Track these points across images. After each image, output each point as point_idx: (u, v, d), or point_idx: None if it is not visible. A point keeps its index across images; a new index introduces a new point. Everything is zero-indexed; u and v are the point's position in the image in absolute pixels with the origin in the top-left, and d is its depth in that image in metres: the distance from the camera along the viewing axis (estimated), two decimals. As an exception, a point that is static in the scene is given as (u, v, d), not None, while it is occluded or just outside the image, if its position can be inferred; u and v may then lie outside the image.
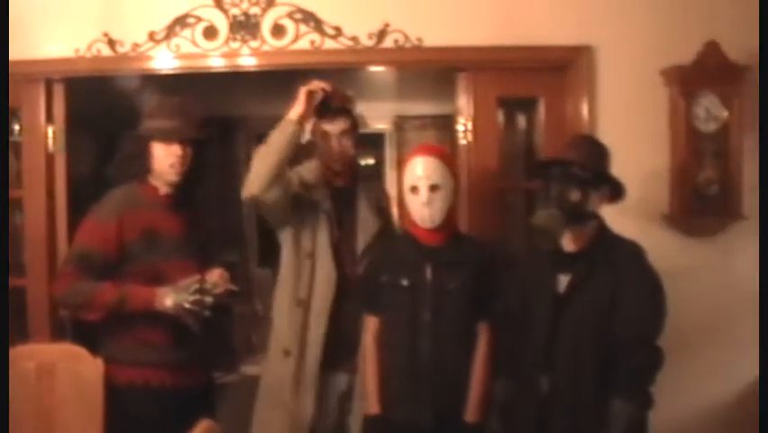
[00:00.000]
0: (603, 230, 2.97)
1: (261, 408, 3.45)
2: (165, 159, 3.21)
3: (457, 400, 3.10)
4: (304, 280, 3.36)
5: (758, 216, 3.52)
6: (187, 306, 3.06)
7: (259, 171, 3.22)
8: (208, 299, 3.10)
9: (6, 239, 3.37)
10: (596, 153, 2.95)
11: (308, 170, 3.46)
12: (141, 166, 3.24)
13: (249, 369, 6.51)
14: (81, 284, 3.10)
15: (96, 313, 3.11)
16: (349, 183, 3.47)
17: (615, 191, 2.97)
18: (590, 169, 2.89)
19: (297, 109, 3.23)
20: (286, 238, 3.44)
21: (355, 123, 3.37)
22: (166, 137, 3.19)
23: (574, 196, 2.89)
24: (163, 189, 3.26)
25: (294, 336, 3.35)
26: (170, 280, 3.13)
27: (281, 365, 3.37)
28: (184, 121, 3.23)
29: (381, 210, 3.51)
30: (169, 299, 3.06)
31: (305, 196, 3.38)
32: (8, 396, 2.96)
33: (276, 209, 3.34)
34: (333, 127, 3.32)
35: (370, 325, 3.23)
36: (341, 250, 3.39)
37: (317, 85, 3.27)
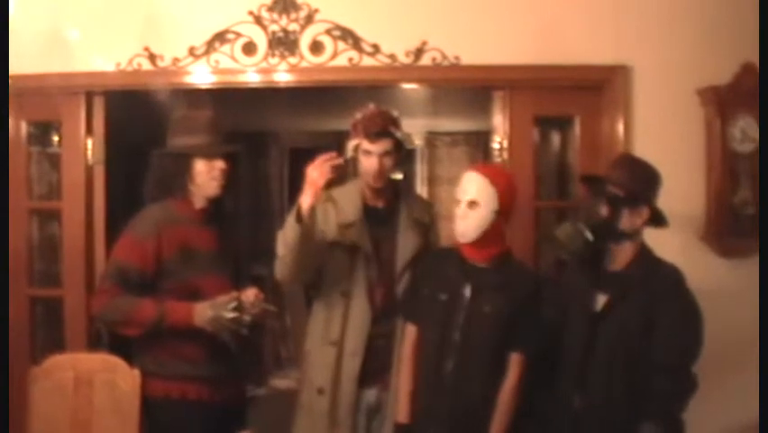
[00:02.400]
0: (644, 252, 2.98)
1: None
2: (208, 174, 3.21)
3: (476, 424, 3.07)
4: (337, 319, 3.33)
5: (758, 234, 3.50)
6: (225, 323, 3.08)
7: (283, 268, 3.22)
8: (246, 318, 3.12)
9: (6, 240, 3.38)
10: (637, 174, 2.94)
11: (346, 194, 3.41)
12: (178, 183, 3.25)
13: (278, 382, 6.55)
14: (120, 301, 3.11)
15: (134, 329, 3.13)
16: (388, 203, 3.43)
17: (655, 216, 2.97)
18: (625, 187, 2.90)
19: (306, 199, 3.07)
20: (323, 277, 3.42)
21: (398, 143, 3.33)
22: (210, 153, 3.21)
23: (603, 211, 2.91)
24: (199, 204, 3.27)
25: (327, 375, 3.32)
26: (206, 294, 3.15)
27: (316, 403, 3.35)
28: (219, 135, 3.26)
29: (423, 226, 3.45)
30: (207, 316, 3.08)
31: (340, 241, 3.34)
32: (8, 397, 3.02)
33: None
34: (376, 147, 3.26)
35: (409, 334, 3.21)
36: (378, 286, 3.36)
37: (324, 164, 3.11)
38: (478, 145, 7.34)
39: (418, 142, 7.70)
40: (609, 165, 3.08)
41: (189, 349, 3.16)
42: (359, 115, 3.32)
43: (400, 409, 3.19)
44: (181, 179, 3.24)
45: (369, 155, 3.28)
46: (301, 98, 5.15)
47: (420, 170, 8.05)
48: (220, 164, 3.21)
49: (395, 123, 3.31)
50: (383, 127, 3.26)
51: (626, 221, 2.92)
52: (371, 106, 3.34)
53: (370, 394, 3.37)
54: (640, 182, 2.93)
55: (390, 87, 4.53)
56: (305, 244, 3.13)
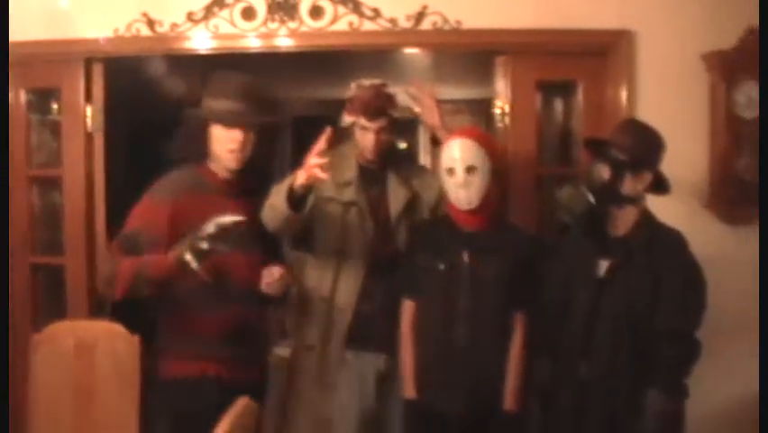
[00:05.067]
0: (647, 217, 2.97)
1: (289, 400, 3.48)
2: (224, 143, 3.03)
3: (493, 389, 3.10)
4: (329, 275, 3.36)
5: (758, 207, 3.48)
6: (203, 246, 2.75)
7: (269, 218, 3.10)
8: (222, 238, 2.77)
9: (7, 236, 3.37)
10: (641, 139, 2.94)
11: (341, 155, 3.42)
12: (199, 148, 3.08)
13: (282, 351, 6.55)
14: (113, 260, 2.95)
15: (120, 288, 2.88)
16: (379, 162, 3.45)
17: (658, 182, 2.96)
18: (628, 151, 2.88)
19: (301, 179, 2.96)
20: (314, 233, 3.42)
21: (395, 120, 3.37)
22: (226, 120, 3.02)
23: (604, 174, 2.91)
24: (222, 174, 3.11)
25: (317, 332, 3.37)
26: (233, 274, 3.02)
27: (305, 361, 3.40)
28: (249, 104, 3.05)
29: (410, 182, 3.48)
30: (183, 244, 2.80)
31: (337, 198, 3.37)
32: (8, 386, 3.02)
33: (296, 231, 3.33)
34: (373, 125, 3.32)
35: (407, 309, 3.22)
36: (373, 242, 3.38)
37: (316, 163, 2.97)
38: (480, 113, 7.29)
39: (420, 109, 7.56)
40: (613, 129, 3.07)
41: (209, 327, 3.03)
42: (355, 89, 3.35)
43: (407, 385, 3.20)
44: (200, 145, 3.08)
45: (366, 131, 3.34)
46: (303, 65, 5.11)
47: (423, 139, 8.00)
48: (237, 134, 3.01)
49: (392, 101, 3.36)
50: (381, 108, 3.31)
51: (629, 185, 2.92)
52: (367, 83, 3.35)
53: (379, 360, 3.39)
54: (643, 147, 2.93)
55: (392, 53, 4.50)
56: (291, 222, 3.09)
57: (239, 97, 3.04)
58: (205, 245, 2.74)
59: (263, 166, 3.22)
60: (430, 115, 3.52)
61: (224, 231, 2.75)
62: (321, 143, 2.97)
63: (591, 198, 2.91)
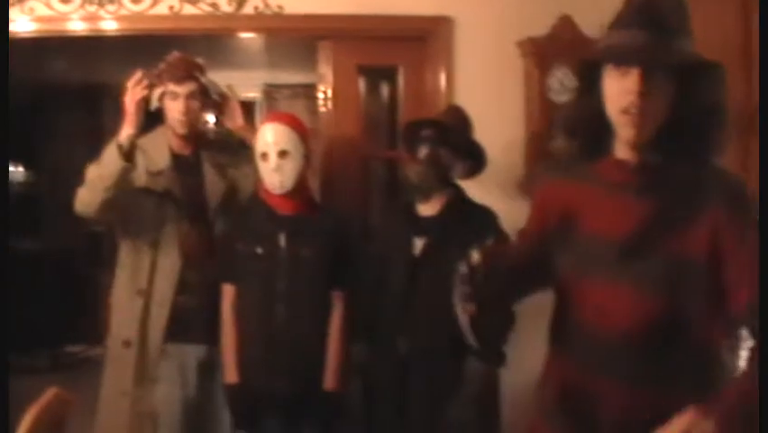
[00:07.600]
0: (459, 196, 3.09)
1: (105, 397, 3.38)
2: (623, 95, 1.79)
3: (314, 368, 3.14)
4: (144, 269, 3.30)
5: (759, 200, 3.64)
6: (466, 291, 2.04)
7: (88, 197, 3.13)
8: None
9: (7, 234, 3.17)
10: (467, 125, 3.09)
11: (153, 143, 3.37)
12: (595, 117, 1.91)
13: (75, 348, 6.49)
14: None
15: None
16: (194, 151, 3.43)
17: (473, 167, 3.10)
18: (463, 137, 3.01)
19: (126, 129, 3.14)
20: (126, 225, 3.37)
21: (204, 88, 3.35)
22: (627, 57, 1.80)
23: (445, 159, 3.01)
24: (626, 155, 1.89)
25: (134, 327, 3.29)
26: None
27: (122, 356, 3.31)
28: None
29: (228, 171, 3.48)
30: None
31: (151, 188, 3.31)
32: (8, 386, 2.85)
33: (110, 221, 3.34)
34: (182, 89, 3.27)
35: (227, 293, 3.22)
36: (189, 235, 3.35)
37: (137, 80, 3.19)
38: (316, 98, 7.34)
39: (256, 94, 7.59)
40: (442, 114, 3.27)
41: None
42: (162, 64, 3.30)
43: (227, 370, 3.19)
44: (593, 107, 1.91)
45: (175, 97, 3.29)
46: (131, 49, 5.02)
47: (260, 123, 7.92)
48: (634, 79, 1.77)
49: (200, 68, 3.35)
50: (188, 71, 3.29)
51: (458, 170, 3.10)
52: (175, 53, 3.34)
53: (200, 350, 3.35)
54: (470, 133, 3.11)
55: (224, 38, 4.47)
56: (121, 179, 3.10)
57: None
58: (467, 289, 1.99)
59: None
60: (232, 118, 3.51)
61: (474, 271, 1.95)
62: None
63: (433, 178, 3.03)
